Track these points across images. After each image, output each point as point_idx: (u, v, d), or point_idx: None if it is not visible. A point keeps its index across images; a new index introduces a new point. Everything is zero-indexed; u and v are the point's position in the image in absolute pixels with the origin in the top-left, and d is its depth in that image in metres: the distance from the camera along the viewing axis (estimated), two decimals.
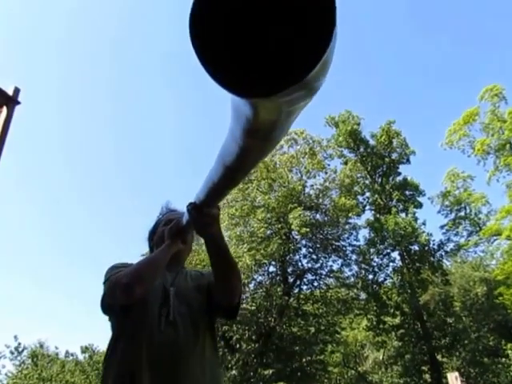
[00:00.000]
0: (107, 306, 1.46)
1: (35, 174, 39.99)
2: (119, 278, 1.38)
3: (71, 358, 19.59)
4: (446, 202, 19.37)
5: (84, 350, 19.15)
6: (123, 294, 1.35)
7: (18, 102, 4.38)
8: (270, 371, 12.91)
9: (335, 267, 16.84)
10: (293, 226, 15.21)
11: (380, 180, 19.79)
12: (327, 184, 17.32)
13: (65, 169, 40.12)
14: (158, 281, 1.48)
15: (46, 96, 37.03)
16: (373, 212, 19.18)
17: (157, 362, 1.34)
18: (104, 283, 1.47)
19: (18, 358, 20.04)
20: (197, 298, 1.52)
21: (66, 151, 40.23)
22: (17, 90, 4.48)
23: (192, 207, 1.26)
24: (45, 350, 20.09)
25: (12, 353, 19.91)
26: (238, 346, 14.15)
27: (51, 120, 38.45)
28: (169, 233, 1.50)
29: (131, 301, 1.37)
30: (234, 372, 13.53)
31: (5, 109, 4.35)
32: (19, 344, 19.89)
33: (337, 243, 16.80)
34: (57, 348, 20.33)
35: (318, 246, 16.48)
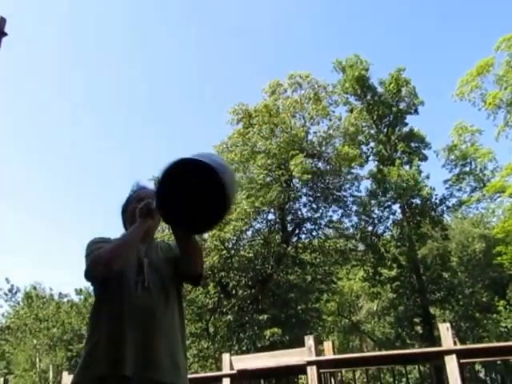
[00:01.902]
0: (90, 277, 1.67)
1: (23, 107, 38.84)
2: (101, 254, 1.61)
3: (66, 299, 19.63)
4: (452, 156, 18.79)
5: (78, 292, 19.12)
6: (104, 268, 1.58)
7: (5, 34, 4.00)
8: (265, 316, 12.81)
9: (335, 217, 16.57)
10: (294, 173, 14.70)
11: (386, 130, 19.08)
12: (331, 132, 16.66)
13: (56, 99, 38.94)
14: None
15: (34, 26, 35.26)
16: (376, 163, 18.64)
17: (136, 320, 1.57)
18: (86, 257, 1.68)
19: (13, 299, 20.22)
20: (166, 268, 1.73)
21: (56, 83, 38.87)
22: (3, 21, 4.13)
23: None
24: (39, 291, 20.10)
25: (6, 294, 20.02)
26: (234, 291, 14.00)
27: (40, 51, 36.87)
28: (139, 213, 1.69)
29: (111, 274, 1.61)
30: (229, 317, 13.44)
31: None
32: (12, 286, 19.97)
33: (338, 193, 16.38)
34: (51, 289, 20.36)
35: (319, 195, 16.05)
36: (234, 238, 14.49)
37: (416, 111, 18.96)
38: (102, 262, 1.58)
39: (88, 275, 1.65)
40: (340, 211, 16.57)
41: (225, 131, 24.39)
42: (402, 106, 18.98)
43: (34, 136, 39.25)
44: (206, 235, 14.46)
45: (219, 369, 10.78)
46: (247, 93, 35.96)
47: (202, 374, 5.80)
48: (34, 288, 20.07)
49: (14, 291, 19.81)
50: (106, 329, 1.58)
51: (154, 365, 1.54)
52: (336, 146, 16.33)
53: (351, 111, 18.15)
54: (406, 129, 18.96)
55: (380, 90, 19.24)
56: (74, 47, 38.04)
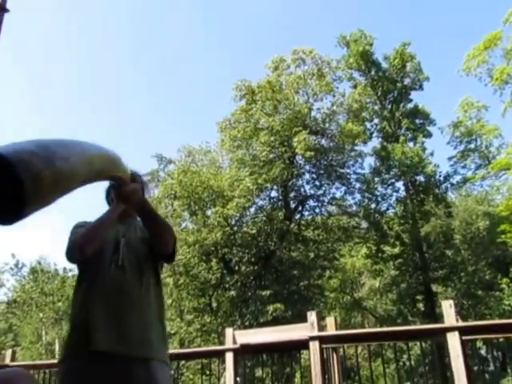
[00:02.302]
0: (69, 260, 1.76)
1: (30, 85, 38.51)
2: (76, 239, 1.70)
3: (70, 274, 19.89)
4: (457, 133, 18.56)
5: None
6: (79, 252, 1.67)
7: (7, 10, 4.02)
8: (268, 292, 12.91)
9: (338, 195, 16.53)
10: (297, 150, 14.56)
11: (390, 106, 18.81)
12: (334, 108, 16.42)
13: (67, 78, 38.64)
14: (112, 233, 1.79)
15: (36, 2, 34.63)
16: (380, 140, 18.45)
17: (109, 298, 1.65)
18: (68, 241, 1.77)
19: (19, 273, 20.61)
20: (142, 247, 1.80)
21: (62, 58, 38.45)
22: None
23: (111, 187, 1.58)
24: (44, 266, 20.41)
25: (12, 269, 20.40)
26: (237, 267, 14.09)
27: (44, 27, 36.33)
28: (116, 197, 1.69)
29: (86, 257, 1.67)
30: (232, 292, 13.55)
31: None
32: (18, 261, 20.34)
33: (341, 170, 16.28)
34: (55, 264, 20.64)
35: (322, 172, 15.96)
36: (237, 214, 14.48)
37: (421, 87, 18.65)
38: (77, 246, 1.68)
39: (67, 258, 1.76)
40: (343, 188, 16.54)
41: (228, 108, 24.13)
42: (407, 81, 18.66)
43: None
44: (208, 212, 14.49)
45: (222, 343, 10.91)
46: (250, 69, 35.49)
47: (205, 348, 5.85)
48: (39, 263, 20.41)
49: (19, 266, 20.22)
50: (82, 307, 1.67)
51: (125, 340, 1.60)
52: (339, 123, 16.13)
53: (355, 87, 17.85)
54: (410, 105, 18.68)
55: (384, 65, 18.89)
56: None
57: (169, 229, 1.76)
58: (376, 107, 18.79)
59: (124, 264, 1.72)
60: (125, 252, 1.76)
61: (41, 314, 18.39)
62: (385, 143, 17.84)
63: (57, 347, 18.17)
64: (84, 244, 1.66)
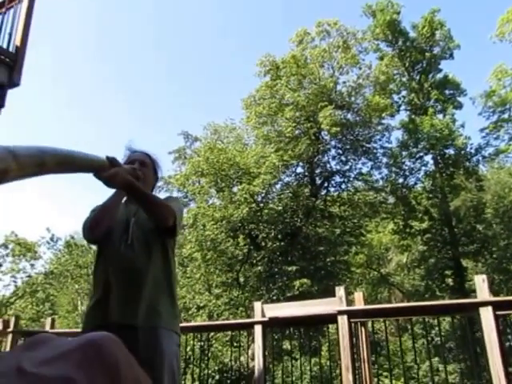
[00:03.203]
0: (85, 239, 1.93)
1: (58, 68, 39.09)
2: (86, 221, 1.84)
3: None
4: (490, 103, 17.80)
5: None
6: (88, 233, 1.83)
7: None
8: (294, 268, 12.99)
9: (364, 170, 16.29)
10: (322, 126, 14.37)
11: (418, 77, 18.17)
12: (361, 81, 16.03)
13: (93, 59, 38.98)
14: (123, 213, 1.92)
15: None
16: (408, 112, 17.94)
17: (119, 276, 1.77)
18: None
19: (55, 247, 21.68)
20: (150, 224, 1.86)
21: (94, 41, 38.71)
22: None
23: (94, 173, 1.56)
24: (78, 240, 21.28)
25: (48, 242, 21.48)
26: (263, 243, 14.19)
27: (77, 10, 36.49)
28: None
29: (94, 238, 1.86)
30: (259, 268, 13.70)
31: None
32: (53, 235, 21.37)
33: (368, 145, 15.99)
34: None
35: (348, 147, 15.73)
36: (263, 191, 14.51)
37: (451, 56, 17.89)
38: (87, 228, 1.83)
39: (84, 239, 1.94)
40: (370, 163, 16.26)
41: (253, 84, 23.88)
42: (436, 50, 17.92)
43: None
44: (235, 188, 14.58)
45: (249, 316, 11.13)
46: (274, 44, 34.83)
47: (235, 321, 5.98)
48: (72, 237, 21.29)
49: (55, 240, 21.23)
50: (98, 285, 1.82)
51: (136, 314, 1.71)
52: (366, 96, 15.76)
53: (382, 58, 17.32)
54: (439, 75, 17.99)
55: (412, 34, 18.17)
56: None
57: (161, 206, 1.80)
58: (404, 79, 18.21)
59: (133, 242, 1.83)
60: (134, 230, 1.86)
61: (76, 286, 19.29)
62: (413, 116, 17.34)
63: None
64: (92, 227, 1.82)
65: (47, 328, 5.77)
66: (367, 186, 16.26)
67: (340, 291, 4.24)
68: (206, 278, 14.56)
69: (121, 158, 2.04)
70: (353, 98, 15.78)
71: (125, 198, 1.94)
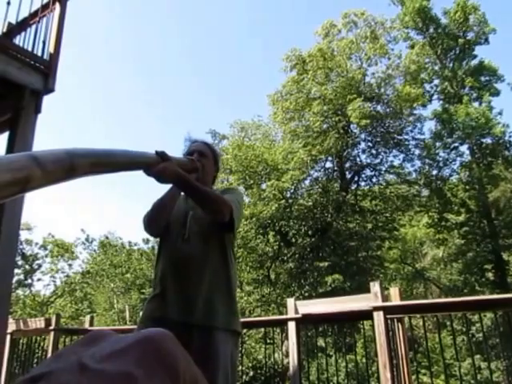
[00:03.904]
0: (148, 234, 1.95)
1: (92, 72, 40.08)
2: (144, 218, 1.84)
3: (136, 247, 21.19)
4: None
5: (146, 241, 20.51)
6: (145, 229, 1.85)
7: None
8: (326, 264, 12.80)
9: (396, 162, 15.88)
10: (351, 119, 14.10)
11: (451, 65, 17.53)
12: (390, 71, 15.64)
13: (122, 61, 39.76)
14: (182, 207, 1.89)
15: None
16: (441, 102, 17.33)
17: (177, 271, 1.75)
18: None
19: (90, 247, 22.39)
20: (207, 219, 1.80)
21: (123, 44, 39.48)
22: None
23: (144, 170, 1.50)
24: (112, 240, 21.84)
25: (83, 243, 22.23)
26: (293, 240, 14.06)
27: (106, 14, 37.27)
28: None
29: (151, 233, 1.91)
30: (290, 264, 13.59)
31: (58, 5, 4.18)
32: (88, 236, 22.08)
33: (399, 137, 15.59)
34: (120, 238, 22.05)
35: (379, 140, 15.37)
36: (292, 187, 14.37)
37: (486, 40, 17.13)
38: (145, 224, 1.84)
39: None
40: (401, 156, 15.84)
41: (279, 80, 23.72)
42: (470, 36, 17.21)
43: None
44: (263, 185, 14.50)
45: (281, 313, 11.04)
46: (300, 38, 34.48)
47: (268, 317, 5.90)
48: (107, 237, 21.90)
49: (90, 240, 21.92)
50: (157, 280, 1.83)
51: (192, 311, 1.69)
52: (396, 87, 15.36)
53: (412, 47, 16.82)
54: (474, 62, 17.27)
55: (444, 20, 17.51)
56: None
57: (215, 200, 1.73)
58: (436, 67, 17.60)
59: (190, 237, 1.80)
60: (191, 225, 1.82)
61: (112, 284, 19.77)
62: (446, 105, 16.74)
63: (127, 314, 19.43)
64: (147, 224, 1.82)
65: (86, 325, 5.90)
66: (399, 179, 15.87)
67: (375, 287, 4.12)
68: (238, 275, 14.55)
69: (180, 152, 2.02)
70: (382, 90, 15.41)
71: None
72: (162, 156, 1.54)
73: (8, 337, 5.46)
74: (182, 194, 1.91)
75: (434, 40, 17.34)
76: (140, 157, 1.44)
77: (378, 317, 3.98)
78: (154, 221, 1.82)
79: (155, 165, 1.51)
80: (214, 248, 1.80)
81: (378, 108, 15.31)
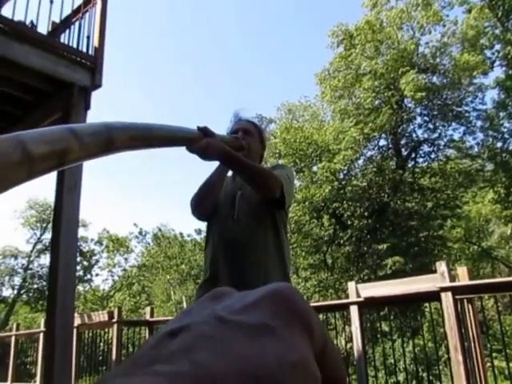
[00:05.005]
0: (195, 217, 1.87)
1: (137, 64, 41.18)
2: (191, 200, 1.81)
3: (189, 238, 21.58)
4: None
5: (198, 231, 20.82)
6: (193, 212, 1.81)
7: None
8: (385, 246, 12.39)
9: (456, 136, 14.99)
10: (405, 93, 13.41)
11: None
12: (446, 39, 14.71)
13: (169, 53, 40.56)
14: (230, 187, 1.84)
15: None
16: (504, 68, 16.05)
17: (228, 252, 1.71)
18: None
19: (144, 240, 23.11)
20: (257, 196, 1.75)
21: (170, 36, 40.21)
22: None
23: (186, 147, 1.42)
24: (165, 232, 22.39)
25: (137, 237, 22.98)
26: (349, 222, 13.72)
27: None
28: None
29: (199, 216, 1.83)
30: (347, 248, 13.30)
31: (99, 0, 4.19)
32: (140, 229, 22.79)
33: (458, 109, 14.67)
34: (173, 230, 22.59)
35: (436, 113, 14.54)
36: (345, 168, 13.99)
37: None
38: (192, 207, 1.79)
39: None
40: (462, 129, 14.93)
41: (325, 57, 23.15)
42: None
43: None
44: (315, 168, 14.22)
45: (340, 298, 10.83)
46: (345, 12, 33.32)
47: (329, 302, 5.77)
48: (160, 230, 22.50)
49: (143, 234, 22.62)
50: (208, 262, 1.77)
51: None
52: (453, 55, 14.41)
53: (469, 11, 15.64)
54: None
55: None
56: None
57: (265, 175, 1.66)
58: (497, 31, 16.28)
59: (239, 217, 1.74)
60: (240, 204, 1.77)
61: (167, 276, 20.32)
62: (510, 71, 15.51)
63: (184, 305, 19.95)
64: (194, 206, 1.78)
65: (147, 317, 6.08)
66: (460, 154, 15.00)
67: (441, 266, 3.92)
68: (293, 261, 14.45)
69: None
70: (438, 59, 14.54)
71: (231, 171, 1.83)
72: (204, 131, 1.45)
73: (74, 331, 5.72)
74: (229, 174, 1.84)
75: (493, 1, 16.02)
76: (182, 132, 1.35)
77: (446, 298, 3.79)
78: (202, 202, 1.77)
79: (198, 141, 1.43)
80: (265, 227, 1.74)
81: (434, 79, 14.50)
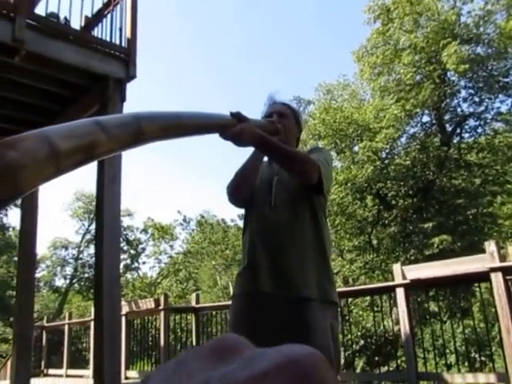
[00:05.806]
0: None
1: (165, 48, 41.59)
2: (227, 187, 1.76)
3: (232, 223, 21.86)
4: None
5: (241, 217, 20.97)
6: (230, 200, 1.77)
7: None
8: (431, 224, 12.10)
9: (504, 109, 14.21)
10: (448, 66, 12.87)
11: None
12: (489, 7, 13.87)
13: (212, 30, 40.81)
14: (266, 173, 1.80)
15: None
16: None
17: (266, 240, 1.67)
18: None
19: (188, 227, 23.64)
20: (294, 182, 1.71)
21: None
22: None
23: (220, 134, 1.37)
24: (208, 218, 22.77)
25: (181, 224, 23.52)
26: (393, 202, 13.49)
27: None
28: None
29: (236, 203, 1.79)
30: (392, 228, 13.09)
31: None
32: (184, 216, 23.28)
33: (505, 79, 13.89)
34: (215, 216, 22.93)
35: (481, 85, 13.89)
36: (387, 146, 13.70)
37: None
38: (228, 194, 1.76)
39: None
40: (509, 100, 14.22)
41: (362, 34, 22.54)
42: None
43: None
44: (356, 148, 14.01)
45: (387, 279, 10.74)
46: None
47: (375, 285, 5.78)
48: (203, 216, 22.90)
49: (187, 221, 23.11)
50: (246, 250, 1.74)
51: (284, 281, 1.61)
52: (498, 24, 13.61)
53: None
54: None
55: None
56: None
57: (301, 160, 1.62)
58: None
59: (277, 204, 1.70)
60: (277, 190, 1.73)
61: (213, 262, 20.70)
62: None
63: (231, 290, 20.32)
64: (231, 193, 1.75)
65: (193, 303, 6.31)
66: (509, 127, 14.28)
67: (491, 246, 3.84)
68: (337, 243, 14.41)
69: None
70: (481, 29, 13.80)
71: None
72: (237, 117, 1.40)
73: (123, 318, 5.97)
74: (265, 159, 1.80)
75: None
76: (213, 118, 1.32)
77: (497, 278, 3.72)
78: (238, 189, 1.74)
79: (231, 127, 1.39)
80: (303, 214, 1.70)
81: (478, 50, 13.80)
